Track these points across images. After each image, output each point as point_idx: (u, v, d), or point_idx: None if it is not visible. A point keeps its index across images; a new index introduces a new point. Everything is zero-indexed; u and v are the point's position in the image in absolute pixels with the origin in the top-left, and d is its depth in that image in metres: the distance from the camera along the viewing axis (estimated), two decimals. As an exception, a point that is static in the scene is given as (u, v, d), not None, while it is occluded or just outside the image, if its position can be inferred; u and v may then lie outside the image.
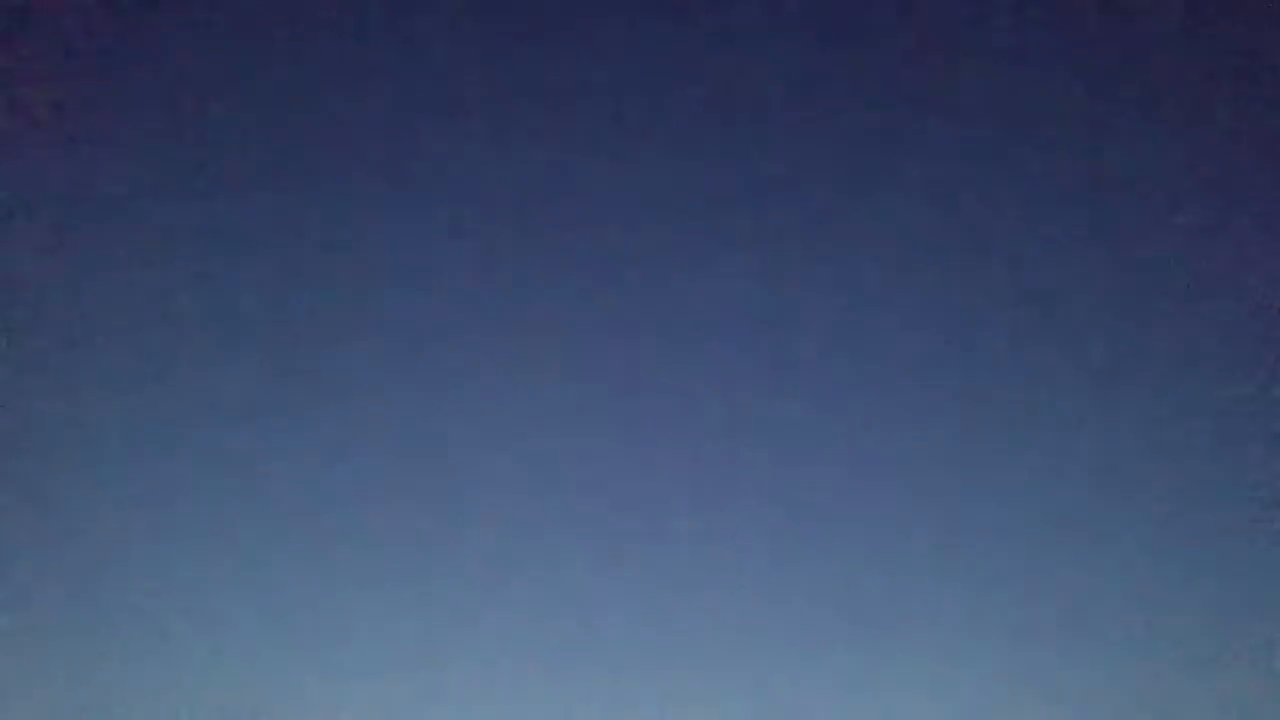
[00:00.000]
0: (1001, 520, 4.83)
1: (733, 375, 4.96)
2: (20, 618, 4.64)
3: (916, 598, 4.77)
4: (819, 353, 4.96)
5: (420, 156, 5.05)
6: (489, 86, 5.08)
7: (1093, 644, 4.68)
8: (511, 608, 4.79)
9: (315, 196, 5.03)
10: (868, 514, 4.86)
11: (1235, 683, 4.59)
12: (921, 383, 4.94)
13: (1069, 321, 4.92)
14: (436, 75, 5.08)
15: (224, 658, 4.69)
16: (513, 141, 5.06)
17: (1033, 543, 4.79)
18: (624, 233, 5.04)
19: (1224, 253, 4.89)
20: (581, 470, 4.89)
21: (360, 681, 4.70)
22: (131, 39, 5.02)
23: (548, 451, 4.90)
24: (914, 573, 4.79)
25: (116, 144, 4.99)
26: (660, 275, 5.02)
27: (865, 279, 5.01)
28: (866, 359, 4.96)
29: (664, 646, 4.75)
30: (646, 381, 4.95)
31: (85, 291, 4.90)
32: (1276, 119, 4.93)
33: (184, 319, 4.92)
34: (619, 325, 4.98)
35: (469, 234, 5.04)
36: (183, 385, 4.88)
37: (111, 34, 5.01)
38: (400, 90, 5.08)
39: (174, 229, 4.98)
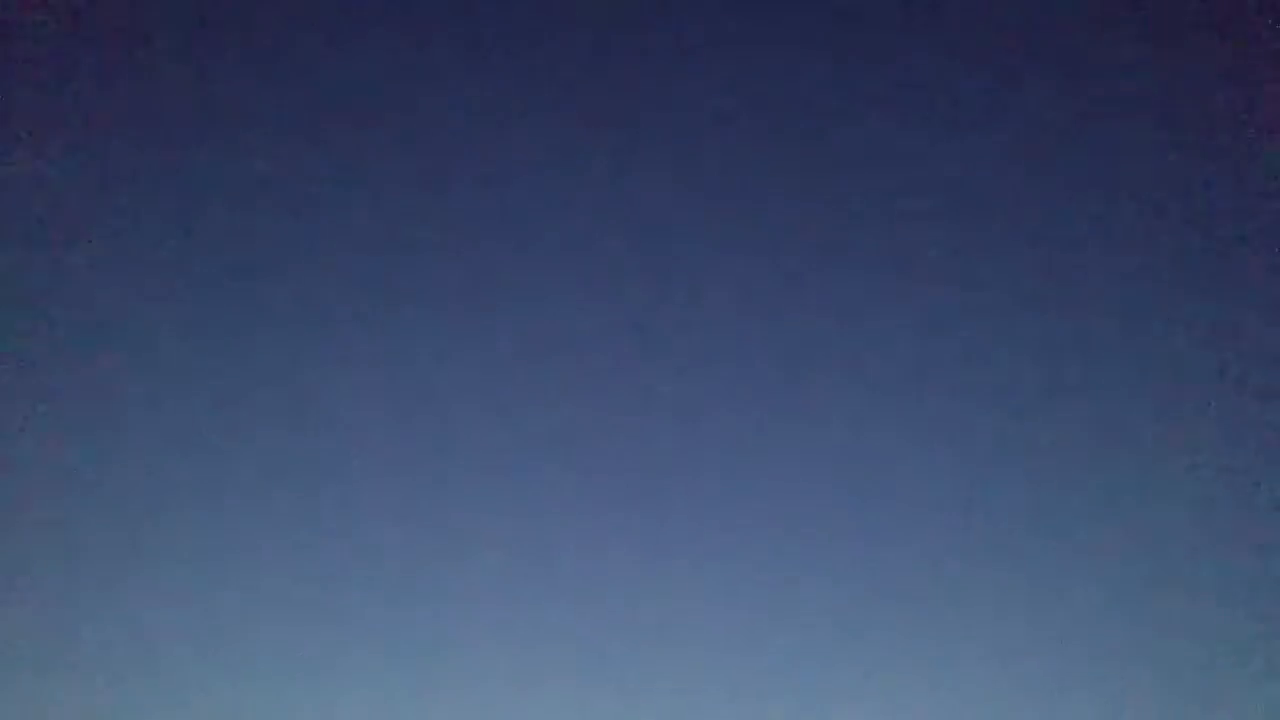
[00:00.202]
0: (1003, 524, 4.84)
1: (733, 375, 4.97)
2: (20, 617, 4.65)
3: (919, 600, 4.79)
4: (819, 353, 4.97)
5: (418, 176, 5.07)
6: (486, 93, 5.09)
7: (1094, 649, 4.69)
8: (513, 608, 4.80)
9: (316, 196, 5.04)
10: (868, 515, 4.87)
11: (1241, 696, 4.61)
12: (922, 384, 4.94)
13: (1070, 323, 4.93)
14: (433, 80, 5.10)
15: (224, 658, 4.70)
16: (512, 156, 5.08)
17: (1035, 546, 4.81)
18: (624, 237, 5.06)
19: (1226, 254, 4.90)
20: (582, 471, 4.90)
21: (360, 683, 4.71)
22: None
23: (550, 450, 4.92)
24: (916, 575, 4.80)
25: (116, 144, 5.01)
26: (661, 273, 5.03)
27: (865, 281, 5.03)
28: (867, 361, 4.97)
29: (664, 647, 4.76)
30: (648, 382, 4.97)
31: (85, 291, 4.92)
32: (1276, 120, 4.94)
33: (184, 321, 4.93)
34: (620, 327, 5.00)
35: (470, 234, 5.05)
36: (184, 384, 4.89)
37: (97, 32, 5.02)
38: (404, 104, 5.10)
39: (175, 228, 4.99)
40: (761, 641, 4.76)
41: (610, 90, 5.09)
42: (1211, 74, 4.97)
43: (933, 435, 4.90)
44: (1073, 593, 4.74)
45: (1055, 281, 4.95)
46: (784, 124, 5.08)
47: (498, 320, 4.99)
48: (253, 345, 4.92)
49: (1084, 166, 4.99)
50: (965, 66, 5.05)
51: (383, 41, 5.09)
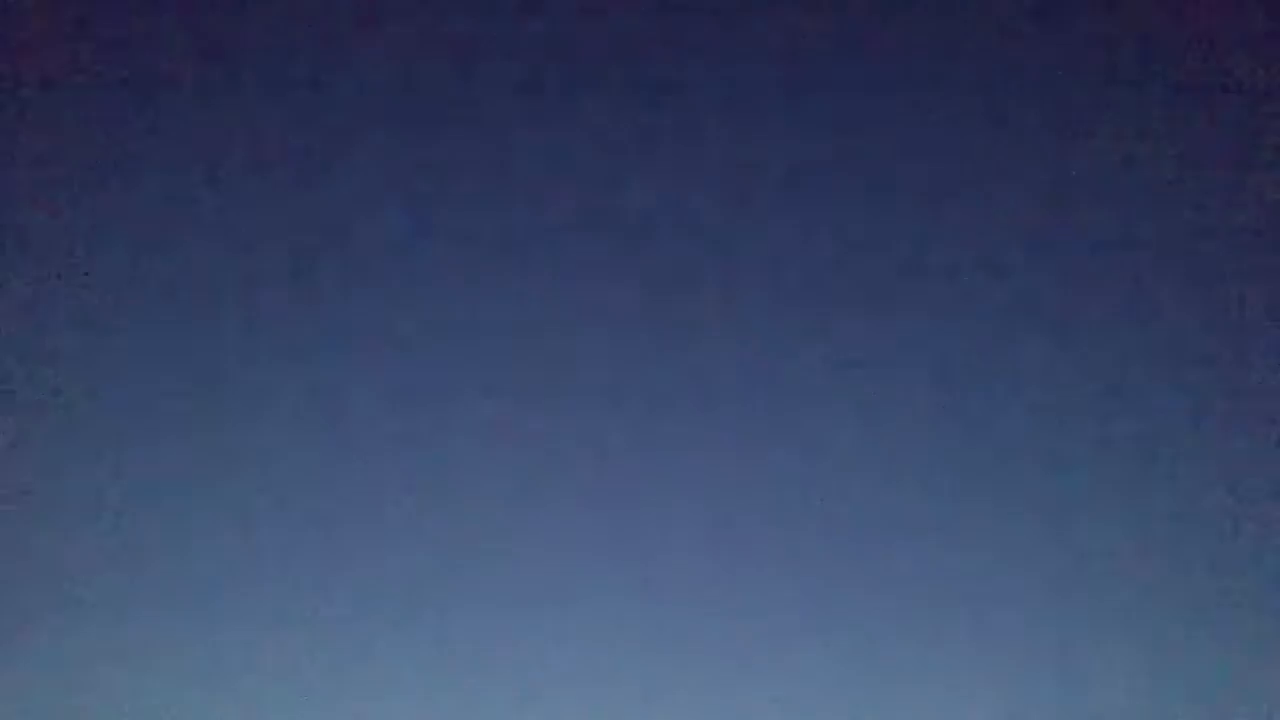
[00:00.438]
0: (1006, 525, 4.84)
1: (734, 375, 4.97)
2: (20, 618, 4.65)
3: (921, 601, 4.78)
4: (820, 353, 4.97)
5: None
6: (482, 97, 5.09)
7: (1097, 652, 4.69)
8: (515, 609, 4.80)
9: (315, 197, 5.04)
10: (868, 514, 4.86)
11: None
12: (922, 385, 4.94)
13: (1072, 326, 4.93)
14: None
15: (224, 659, 4.69)
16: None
17: (1036, 549, 4.80)
18: (625, 236, 5.05)
19: (1227, 254, 4.90)
20: (584, 470, 4.90)
21: (360, 686, 4.71)
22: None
23: (552, 448, 4.91)
24: (917, 576, 4.80)
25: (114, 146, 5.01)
26: (662, 273, 5.03)
27: (865, 282, 5.02)
28: (870, 363, 4.97)
29: (667, 649, 4.76)
30: (649, 382, 4.96)
31: (86, 291, 4.92)
32: (1276, 121, 4.93)
33: (183, 320, 4.93)
34: (620, 327, 4.99)
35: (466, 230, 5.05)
36: (183, 384, 4.89)
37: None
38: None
39: (174, 229, 4.99)
40: (762, 642, 4.76)
41: (613, 89, 5.10)
42: (1212, 76, 4.98)
43: (934, 435, 4.90)
44: (1079, 595, 4.74)
45: (1063, 277, 4.96)
46: (784, 123, 5.09)
47: (503, 320, 5.00)
48: (252, 344, 4.92)
49: (1087, 166, 5.00)
50: (968, 66, 5.06)
51: (384, 41, 5.10)
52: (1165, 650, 4.66)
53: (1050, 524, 4.79)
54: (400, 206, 5.02)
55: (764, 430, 4.91)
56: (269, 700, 4.65)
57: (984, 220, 5.00)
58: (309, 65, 5.05)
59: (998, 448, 4.85)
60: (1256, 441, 4.76)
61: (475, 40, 5.09)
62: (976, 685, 4.66)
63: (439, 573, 4.80)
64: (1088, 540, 4.77)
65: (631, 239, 5.02)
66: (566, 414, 4.92)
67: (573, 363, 4.95)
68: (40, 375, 4.82)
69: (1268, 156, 4.90)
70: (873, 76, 5.06)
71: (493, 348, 4.96)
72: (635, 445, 4.89)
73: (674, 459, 4.89)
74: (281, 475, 4.83)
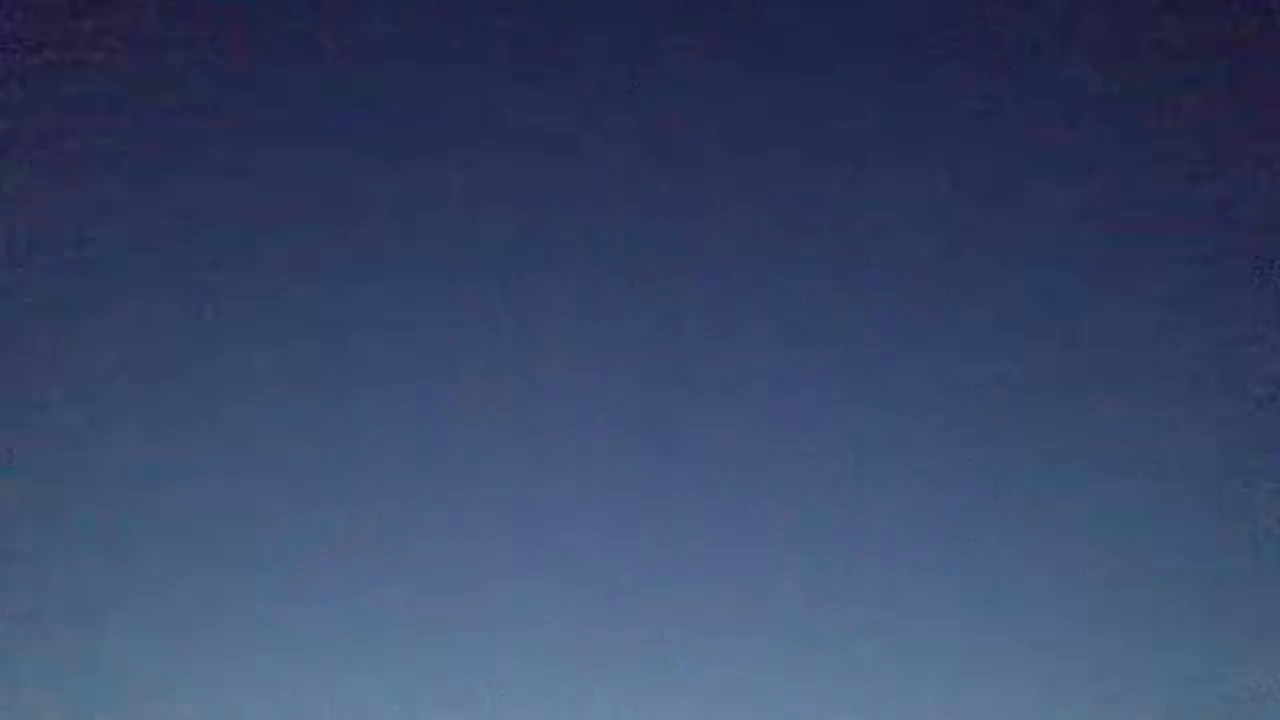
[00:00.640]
0: (1005, 528, 4.85)
1: (735, 375, 4.98)
2: (19, 618, 4.65)
3: (922, 602, 4.79)
4: (819, 353, 4.98)
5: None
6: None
7: (1098, 655, 4.70)
8: (515, 612, 4.80)
9: (316, 191, 5.05)
10: (871, 515, 4.88)
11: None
12: (923, 385, 4.95)
13: (1073, 327, 4.94)
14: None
15: (224, 659, 4.70)
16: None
17: (1037, 551, 4.81)
18: (624, 236, 5.06)
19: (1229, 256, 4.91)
20: (585, 471, 4.90)
21: (360, 685, 4.71)
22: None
23: (554, 447, 4.92)
24: (919, 578, 4.81)
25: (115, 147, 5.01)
26: (662, 273, 5.04)
27: (864, 274, 5.03)
28: (870, 359, 4.98)
29: (668, 649, 4.77)
30: (650, 382, 4.97)
31: (86, 292, 4.92)
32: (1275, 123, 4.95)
33: (183, 319, 4.93)
34: (620, 327, 5.00)
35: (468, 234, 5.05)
36: (183, 383, 4.89)
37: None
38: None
39: (174, 226, 5.00)
40: (763, 643, 4.77)
41: (614, 90, 5.11)
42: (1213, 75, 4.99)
43: (934, 436, 4.91)
44: (1076, 598, 4.75)
45: (1061, 276, 4.97)
46: (783, 124, 5.10)
47: (502, 318, 5.01)
48: (251, 345, 4.93)
49: (1088, 167, 5.01)
50: (969, 68, 5.07)
51: (383, 42, 5.10)
52: (1172, 652, 4.68)
53: (1056, 526, 4.82)
54: (399, 207, 5.05)
55: (767, 431, 4.93)
56: (269, 701, 4.67)
57: (986, 213, 5.03)
58: (305, 62, 5.08)
59: (999, 447, 4.88)
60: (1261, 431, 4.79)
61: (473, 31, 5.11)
62: (978, 685, 4.68)
63: (439, 574, 4.81)
64: (1088, 547, 4.79)
65: (632, 242, 5.04)
66: (567, 412, 4.94)
67: (571, 360, 4.97)
68: (41, 375, 4.83)
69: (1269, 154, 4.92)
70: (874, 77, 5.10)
71: (493, 347, 4.98)
72: (635, 445, 4.91)
73: (675, 458, 4.91)
74: (281, 475, 4.85)
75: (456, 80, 5.10)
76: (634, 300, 5.00)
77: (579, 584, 4.81)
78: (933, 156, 5.04)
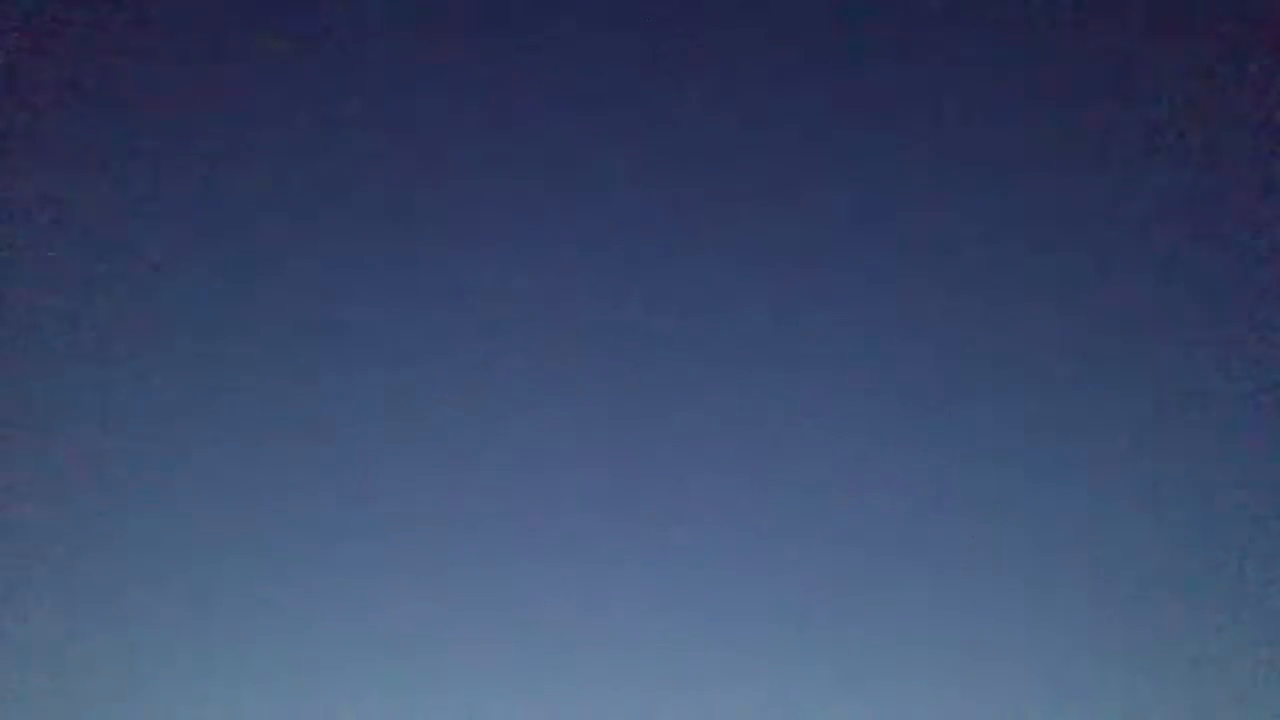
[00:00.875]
0: (1009, 525, 4.85)
1: (735, 375, 4.98)
2: (19, 619, 4.64)
3: (923, 603, 4.79)
4: (821, 353, 4.98)
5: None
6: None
7: (1099, 656, 4.70)
8: (514, 613, 4.80)
9: (317, 192, 5.05)
10: (872, 514, 4.87)
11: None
12: (922, 385, 4.95)
13: (1073, 319, 4.94)
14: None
15: (223, 658, 4.69)
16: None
17: (1037, 552, 4.81)
18: (625, 236, 5.06)
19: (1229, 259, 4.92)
20: (582, 472, 4.90)
21: (359, 687, 4.71)
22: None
23: (554, 447, 4.92)
24: (919, 580, 4.81)
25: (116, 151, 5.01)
26: (662, 273, 5.04)
27: (869, 275, 5.04)
28: (872, 356, 4.98)
29: (669, 650, 4.76)
30: (650, 383, 4.97)
31: (88, 292, 4.92)
32: (1275, 124, 4.95)
33: (183, 318, 4.93)
34: (620, 327, 5.00)
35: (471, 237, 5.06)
36: (186, 386, 4.89)
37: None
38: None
39: (176, 233, 5.00)
40: (763, 644, 4.77)
41: (613, 91, 5.11)
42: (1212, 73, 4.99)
43: (935, 435, 4.91)
44: (1074, 599, 4.75)
45: (1062, 275, 4.97)
46: (783, 124, 5.10)
47: (499, 320, 5.01)
48: (249, 345, 4.93)
49: (1088, 168, 5.02)
50: (968, 67, 5.08)
51: (384, 42, 5.11)
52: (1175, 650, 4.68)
53: (1056, 526, 4.82)
54: (400, 209, 5.05)
55: (765, 430, 4.93)
56: (269, 702, 4.67)
57: (989, 218, 5.03)
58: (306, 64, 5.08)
59: (1000, 447, 4.88)
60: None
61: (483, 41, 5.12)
62: (983, 686, 4.68)
63: (438, 573, 4.81)
64: (1087, 548, 4.79)
65: (632, 241, 5.05)
66: (566, 413, 4.95)
67: (570, 356, 4.98)
68: (41, 376, 4.83)
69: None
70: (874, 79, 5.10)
71: (492, 345, 4.98)
72: (637, 445, 4.92)
73: (675, 459, 4.91)
74: (280, 476, 4.85)
75: (457, 81, 5.11)
76: (633, 295, 5.01)
77: (577, 583, 4.81)
78: (934, 153, 5.06)
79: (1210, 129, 4.94)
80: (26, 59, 4.94)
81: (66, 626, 4.65)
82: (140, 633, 4.68)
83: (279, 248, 4.98)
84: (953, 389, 4.92)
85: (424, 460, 4.89)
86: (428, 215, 5.04)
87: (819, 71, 5.09)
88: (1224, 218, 4.93)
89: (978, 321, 4.95)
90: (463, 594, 4.79)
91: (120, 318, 4.90)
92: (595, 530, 4.84)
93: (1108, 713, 4.61)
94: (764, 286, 5.02)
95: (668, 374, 4.96)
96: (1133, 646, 4.67)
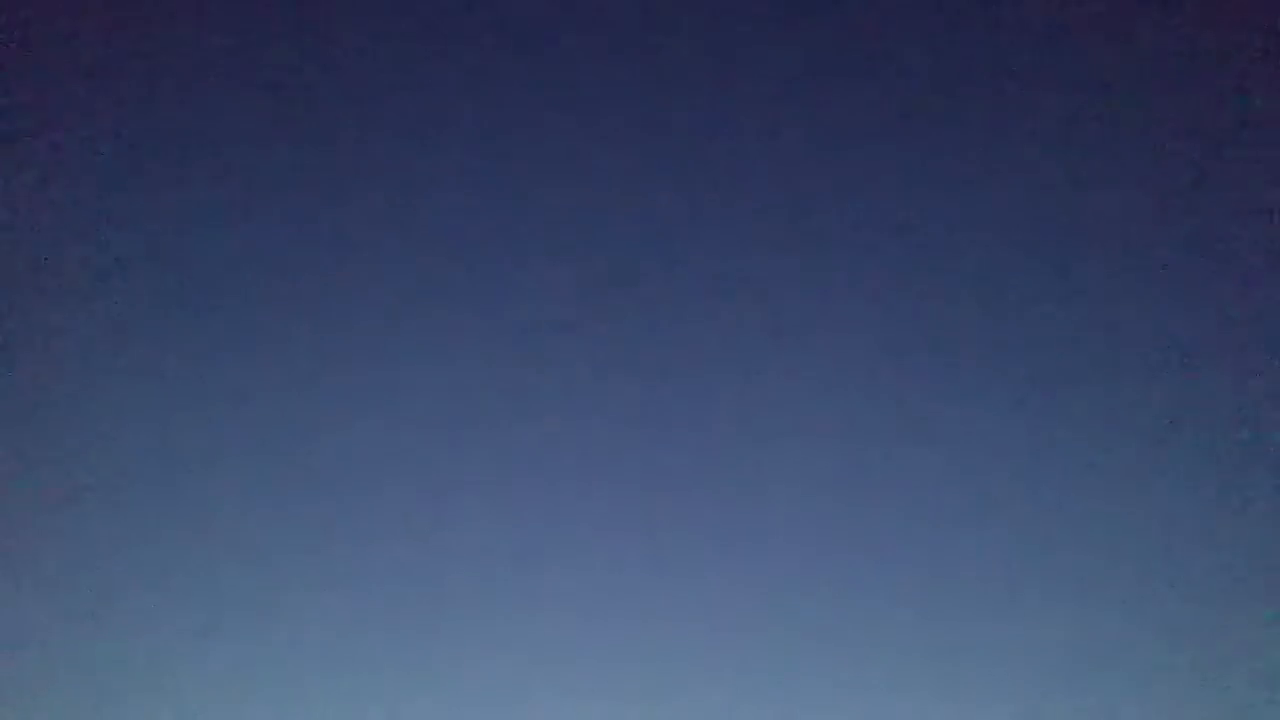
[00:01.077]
0: (1010, 524, 4.84)
1: (735, 376, 4.98)
2: (19, 621, 4.65)
3: (924, 605, 4.79)
4: (821, 353, 4.98)
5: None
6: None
7: (1099, 656, 4.70)
8: (514, 613, 4.80)
9: (317, 194, 5.06)
10: (873, 515, 4.87)
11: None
12: (925, 384, 4.95)
13: (1075, 316, 4.94)
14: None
15: (224, 658, 4.69)
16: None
17: (1037, 553, 4.81)
18: (625, 236, 5.07)
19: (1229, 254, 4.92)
20: (584, 475, 4.90)
21: (359, 688, 4.71)
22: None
23: (554, 447, 4.92)
24: (921, 581, 4.81)
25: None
26: (663, 274, 5.04)
27: (867, 276, 5.04)
28: (872, 356, 4.98)
29: (670, 652, 4.76)
30: (650, 383, 4.97)
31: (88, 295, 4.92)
32: (1274, 121, 4.95)
33: (185, 318, 4.94)
34: (620, 330, 5.00)
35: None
36: (186, 388, 4.89)
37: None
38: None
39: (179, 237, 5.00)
40: (764, 645, 4.77)
41: (612, 91, 5.12)
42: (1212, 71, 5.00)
43: (934, 435, 4.91)
44: (1075, 598, 4.74)
45: (1062, 275, 4.97)
46: (782, 124, 5.10)
47: (499, 322, 5.01)
48: (249, 344, 4.93)
49: (1087, 164, 5.02)
50: (968, 67, 5.08)
51: (385, 42, 5.12)
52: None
53: (1055, 527, 4.82)
54: (400, 215, 5.06)
55: (766, 430, 4.93)
56: (269, 703, 4.67)
57: (988, 217, 5.04)
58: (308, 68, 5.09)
59: (1002, 446, 4.88)
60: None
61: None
62: (983, 686, 4.67)
63: (443, 575, 4.81)
64: (1090, 551, 4.79)
65: (632, 242, 5.05)
66: (565, 414, 4.95)
67: (568, 360, 4.98)
68: (41, 376, 4.84)
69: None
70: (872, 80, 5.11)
71: (490, 346, 4.99)
72: (638, 445, 4.92)
73: (672, 458, 4.91)
74: (281, 477, 4.85)
75: (455, 82, 5.12)
76: (631, 299, 5.01)
77: (576, 584, 4.81)
78: (934, 158, 5.06)
79: (1210, 129, 4.94)
80: (27, 59, 4.95)
81: (66, 626, 4.66)
82: (140, 633, 4.69)
83: (279, 246, 5.00)
84: (952, 388, 4.93)
85: (424, 460, 4.90)
86: (427, 214, 5.06)
87: (820, 70, 5.10)
88: (1225, 218, 4.93)
89: (978, 321, 4.96)
90: (462, 596, 4.80)
91: (120, 317, 4.91)
92: (595, 530, 4.85)
93: (1107, 712, 4.61)
94: (763, 286, 5.03)
95: (667, 374, 4.97)
96: (1133, 646, 4.67)
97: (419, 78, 5.10)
